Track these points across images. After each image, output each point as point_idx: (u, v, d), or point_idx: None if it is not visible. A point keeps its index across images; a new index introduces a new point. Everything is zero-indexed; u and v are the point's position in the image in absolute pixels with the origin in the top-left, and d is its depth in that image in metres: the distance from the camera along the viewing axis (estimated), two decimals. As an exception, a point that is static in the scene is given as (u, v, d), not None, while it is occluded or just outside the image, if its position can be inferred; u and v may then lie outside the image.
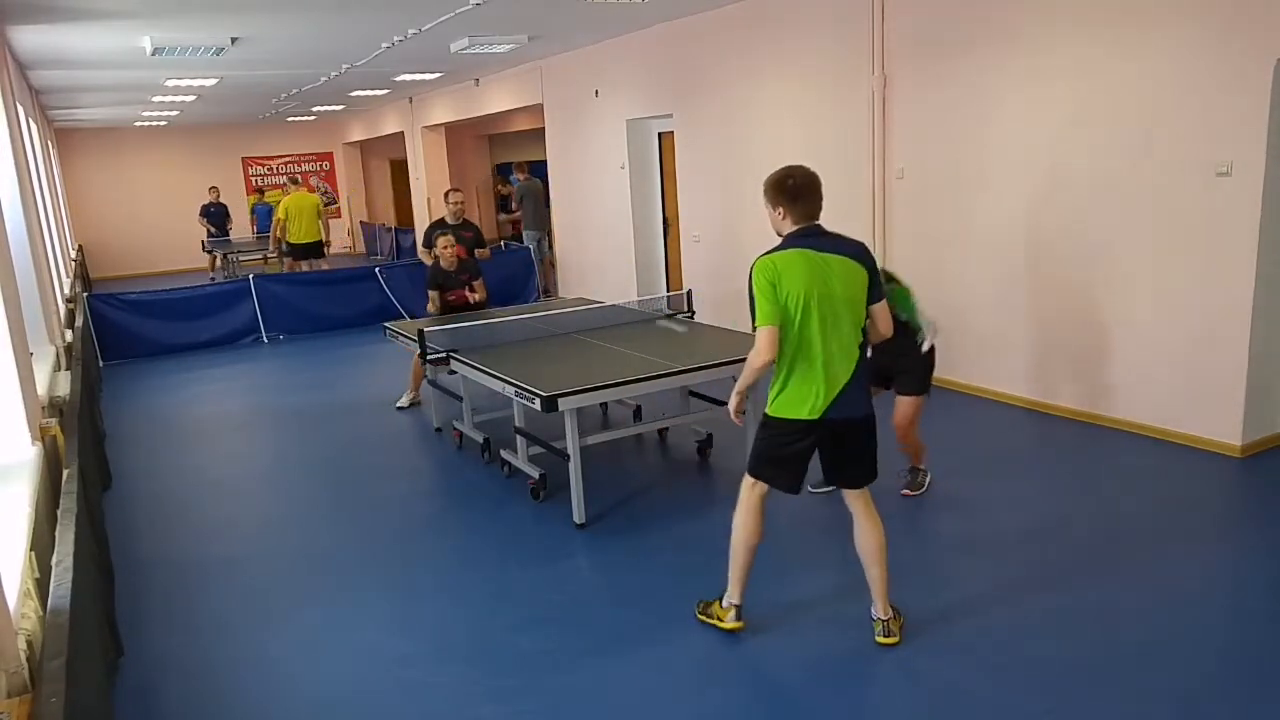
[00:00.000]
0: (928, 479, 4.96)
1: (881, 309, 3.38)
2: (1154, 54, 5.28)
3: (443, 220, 7.63)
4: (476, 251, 7.57)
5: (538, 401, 4.49)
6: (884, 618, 3.50)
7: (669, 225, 10.60)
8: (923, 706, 3.15)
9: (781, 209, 3.36)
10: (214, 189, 16.06)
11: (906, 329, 4.58)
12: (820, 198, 3.36)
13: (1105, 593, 3.81)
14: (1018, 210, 6.25)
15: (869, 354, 3.43)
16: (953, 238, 6.74)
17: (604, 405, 6.53)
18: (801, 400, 3.29)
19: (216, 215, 15.73)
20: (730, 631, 3.56)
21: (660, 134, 10.39)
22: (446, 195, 7.73)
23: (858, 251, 3.33)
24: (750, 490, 3.48)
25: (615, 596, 4.10)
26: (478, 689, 3.39)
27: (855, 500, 3.50)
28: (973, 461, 5.46)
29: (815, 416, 3.29)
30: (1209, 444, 5.35)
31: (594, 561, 4.47)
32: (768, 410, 3.40)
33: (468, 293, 7.19)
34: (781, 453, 3.40)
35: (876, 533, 3.48)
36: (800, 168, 3.40)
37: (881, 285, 3.40)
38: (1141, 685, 3.17)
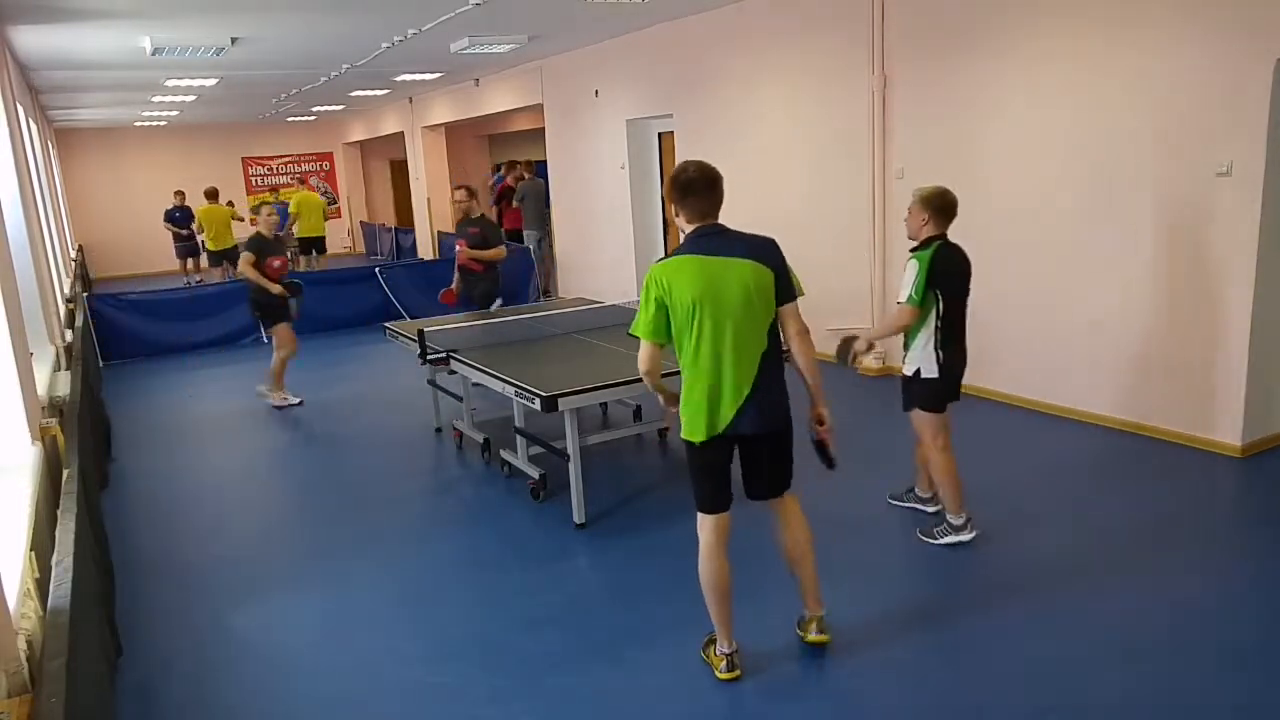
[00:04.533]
0: (947, 538, 4.27)
1: (790, 310, 3.18)
2: (1154, 54, 5.28)
3: (463, 217, 7.62)
4: (478, 252, 7.33)
5: (538, 401, 4.49)
6: (817, 614, 3.44)
7: (669, 225, 10.60)
8: (924, 705, 3.16)
9: (674, 207, 3.16)
10: (179, 193, 15.77)
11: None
12: (718, 194, 3.13)
13: (1105, 592, 3.81)
14: (1017, 210, 6.25)
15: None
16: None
17: (604, 405, 6.53)
18: (704, 417, 3.13)
19: (182, 219, 15.58)
20: (727, 681, 3.30)
21: (660, 134, 10.39)
22: (452, 193, 7.70)
23: (762, 252, 3.12)
24: (702, 529, 3.27)
25: (615, 597, 4.10)
26: (477, 689, 3.39)
27: (778, 504, 3.36)
28: (969, 461, 5.45)
29: (718, 432, 3.14)
30: (1209, 444, 5.35)
31: (594, 561, 4.47)
32: (681, 432, 3.24)
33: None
34: (702, 472, 3.24)
35: (805, 535, 3.36)
36: (696, 162, 3.16)
37: (792, 284, 3.18)
38: (1142, 685, 3.17)
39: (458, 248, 7.46)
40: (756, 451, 3.28)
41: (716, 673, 3.34)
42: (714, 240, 3.12)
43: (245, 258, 7.27)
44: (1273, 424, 5.37)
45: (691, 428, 3.19)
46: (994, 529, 4.45)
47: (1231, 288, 5.13)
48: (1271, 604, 3.69)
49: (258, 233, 7.48)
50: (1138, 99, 5.41)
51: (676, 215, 3.21)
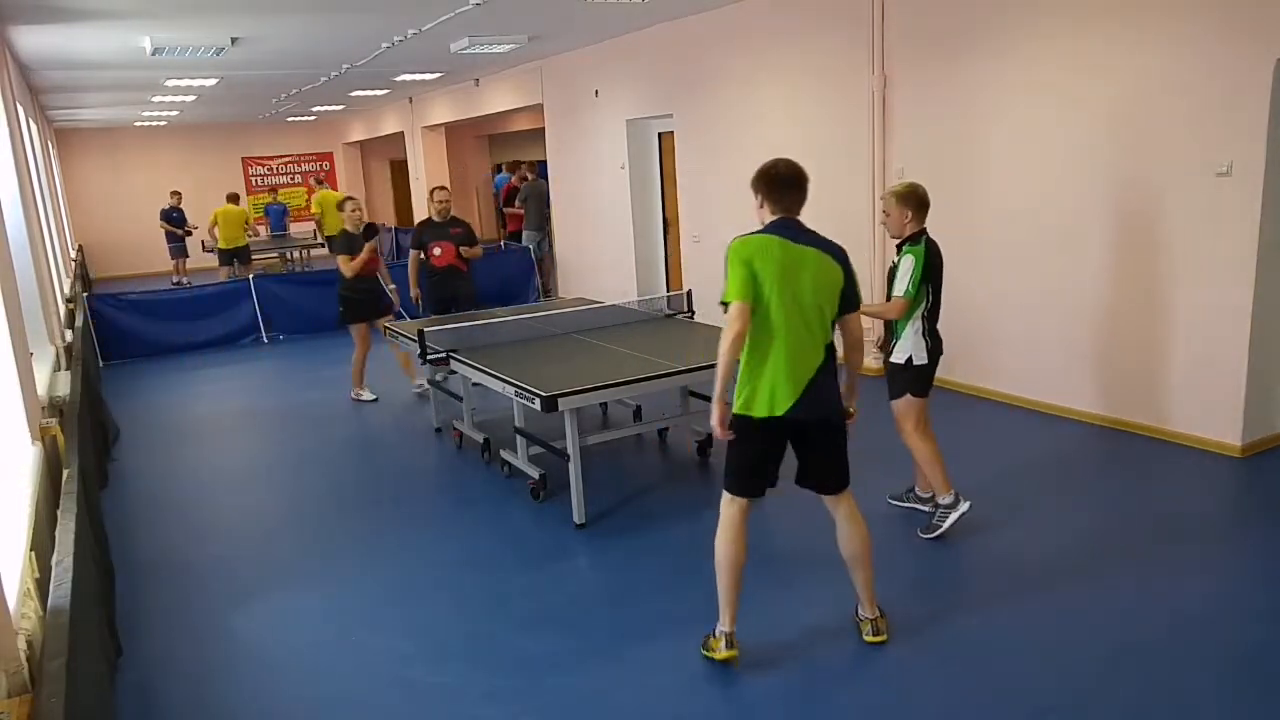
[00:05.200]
0: (948, 519, 4.32)
1: (853, 320, 3.36)
2: (1154, 54, 5.28)
3: (430, 219, 7.61)
4: (465, 250, 7.42)
5: (538, 401, 4.49)
6: (871, 617, 3.51)
7: (669, 225, 10.60)
8: (923, 706, 3.16)
9: (761, 198, 3.34)
10: (176, 193, 16.06)
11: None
12: (803, 193, 3.33)
13: (1105, 592, 3.81)
14: (1017, 210, 6.25)
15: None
16: (952, 237, 6.68)
17: (604, 405, 6.53)
18: (766, 395, 3.21)
19: (179, 220, 15.85)
20: (723, 662, 3.37)
21: (660, 134, 10.39)
22: (432, 193, 7.65)
23: (837, 252, 3.30)
24: (727, 506, 3.36)
25: (615, 597, 4.10)
26: (477, 689, 3.39)
27: (836, 503, 3.46)
28: (970, 460, 5.45)
29: (780, 413, 3.20)
30: (1209, 444, 5.35)
31: (594, 561, 4.47)
32: (733, 409, 3.29)
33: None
34: (749, 458, 3.30)
35: (861, 535, 3.44)
36: (786, 160, 3.37)
37: (858, 293, 3.36)
38: (1141, 686, 3.18)
39: (437, 250, 7.38)
40: (811, 439, 3.35)
41: (715, 654, 3.37)
42: (795, 230, 3.27)
43: (344, 259, 7.34)
44: (1273, 424, 5.37)
45: (749, 403, 3.24)
46: (993, 529, 4.45)
47: (1231, 288, 5.13)
48: (1272, 604, 3.69)
49: (344, 230, 7.53)
50: (1137, 99, 5.40)
51: (760, 206, 3.36)
